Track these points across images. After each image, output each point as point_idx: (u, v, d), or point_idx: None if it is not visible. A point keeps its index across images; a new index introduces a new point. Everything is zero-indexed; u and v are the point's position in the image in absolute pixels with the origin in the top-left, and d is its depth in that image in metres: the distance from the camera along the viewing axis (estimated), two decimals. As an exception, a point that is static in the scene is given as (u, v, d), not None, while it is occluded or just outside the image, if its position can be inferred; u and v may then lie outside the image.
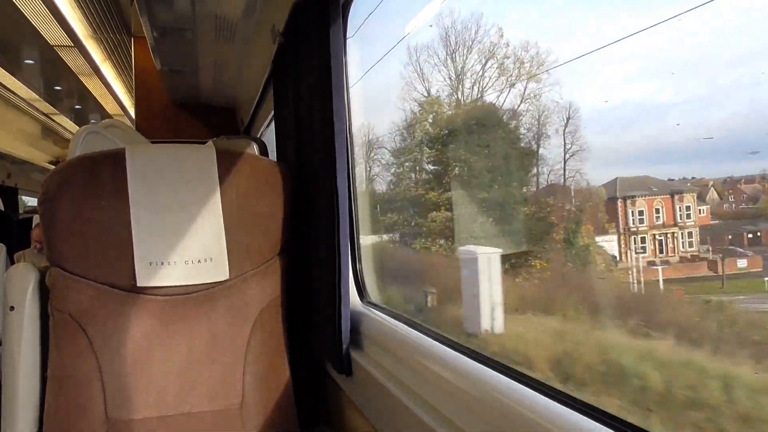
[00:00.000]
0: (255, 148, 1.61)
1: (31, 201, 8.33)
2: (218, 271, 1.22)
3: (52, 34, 3.47)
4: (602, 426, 0.59)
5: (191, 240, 1.21)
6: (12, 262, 2.99)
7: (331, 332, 1.18)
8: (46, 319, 1.20)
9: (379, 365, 1.06)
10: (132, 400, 1.16)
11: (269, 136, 2.62)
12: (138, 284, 1.17)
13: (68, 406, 1.14)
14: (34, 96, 5.14)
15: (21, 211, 6.66)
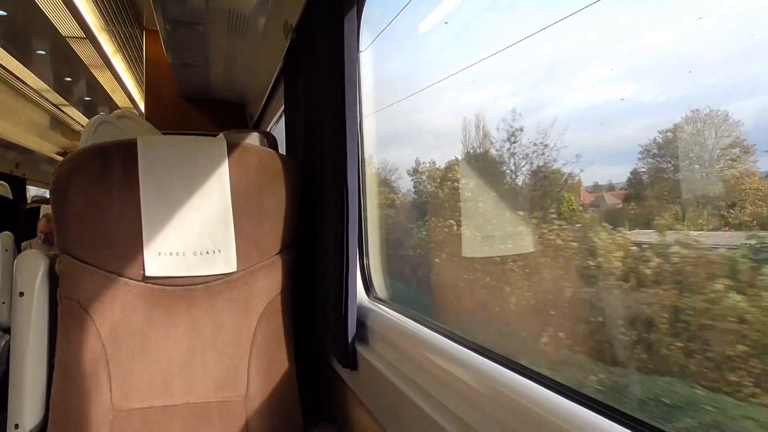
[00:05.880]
0: (265, 142, 1.61)
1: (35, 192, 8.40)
2: (226, 263, 1.23)
3: (65, 25, 3.50)
4: (617, 425, 0.57)
5: (200, 231, 1.22)
6: (19, 251, 3.01)
7: (337, 326, 1.17)
8: (54, 305, 1.21)
9: (385, 360, 1.06)
10: (137, 388, 1.16)
11: (278, 132, 2.63)
12: (146, 274, 1.18)
13: (74, 393, 1.14)
14: (45, 87, 5.17)
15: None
